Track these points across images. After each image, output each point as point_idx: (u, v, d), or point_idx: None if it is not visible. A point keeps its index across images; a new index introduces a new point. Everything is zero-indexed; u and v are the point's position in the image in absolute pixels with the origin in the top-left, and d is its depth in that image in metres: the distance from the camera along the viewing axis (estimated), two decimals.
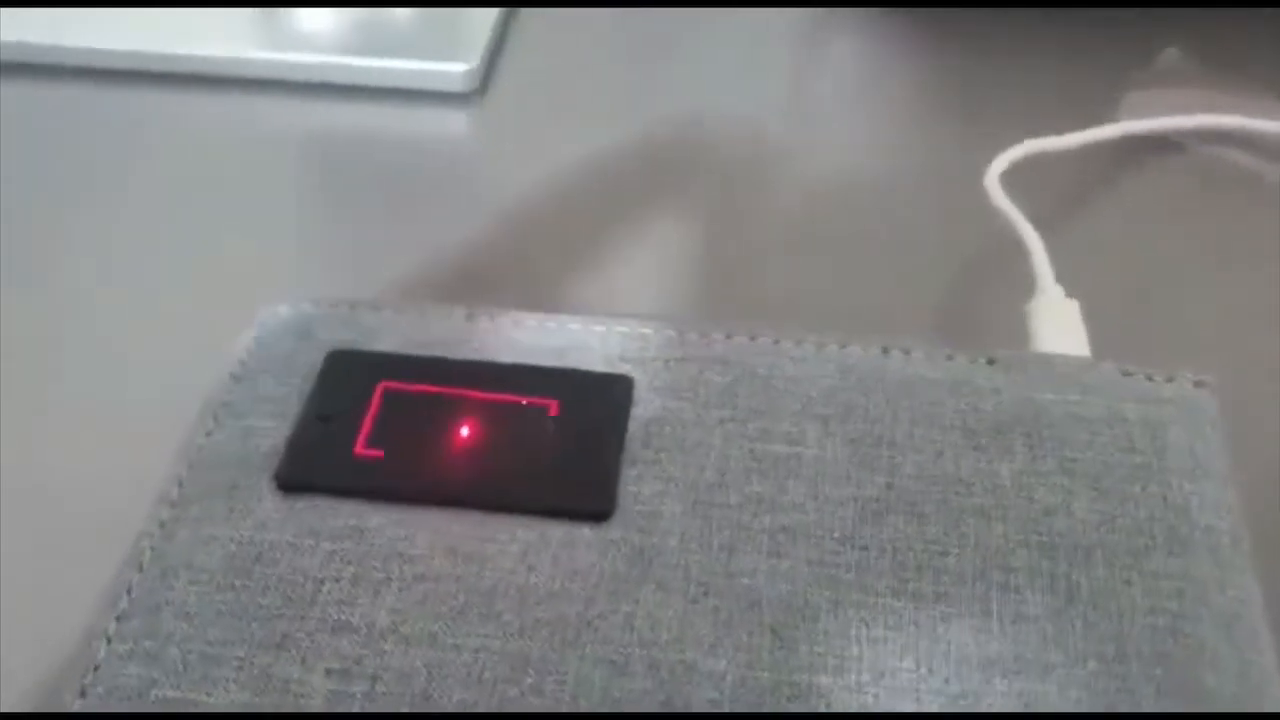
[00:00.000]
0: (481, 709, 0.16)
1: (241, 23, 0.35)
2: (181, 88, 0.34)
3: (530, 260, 0.29)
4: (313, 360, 0.21)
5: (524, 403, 0.20)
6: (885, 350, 0.21)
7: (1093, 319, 0.24)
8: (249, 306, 0.23)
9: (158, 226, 0.30)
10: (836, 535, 0.18)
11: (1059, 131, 0.30)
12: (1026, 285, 0.25)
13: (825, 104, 0.34)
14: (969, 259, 0.28)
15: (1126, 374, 0.21)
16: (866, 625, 0.17)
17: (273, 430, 0.20)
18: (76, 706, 0.17)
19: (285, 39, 0.34)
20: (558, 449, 0.20)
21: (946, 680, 0.17)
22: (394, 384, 0.20)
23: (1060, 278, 0.25)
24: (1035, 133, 0.29)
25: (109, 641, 0.17)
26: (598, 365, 0.21)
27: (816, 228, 0.30)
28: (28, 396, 0.26)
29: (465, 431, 0.20)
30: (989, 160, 0.28)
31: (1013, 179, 0.28)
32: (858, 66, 0.35)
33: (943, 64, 0.35)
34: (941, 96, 0.34)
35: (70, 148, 0.32)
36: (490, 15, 0.35)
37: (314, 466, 0.19)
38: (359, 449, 0.20)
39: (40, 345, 0.27)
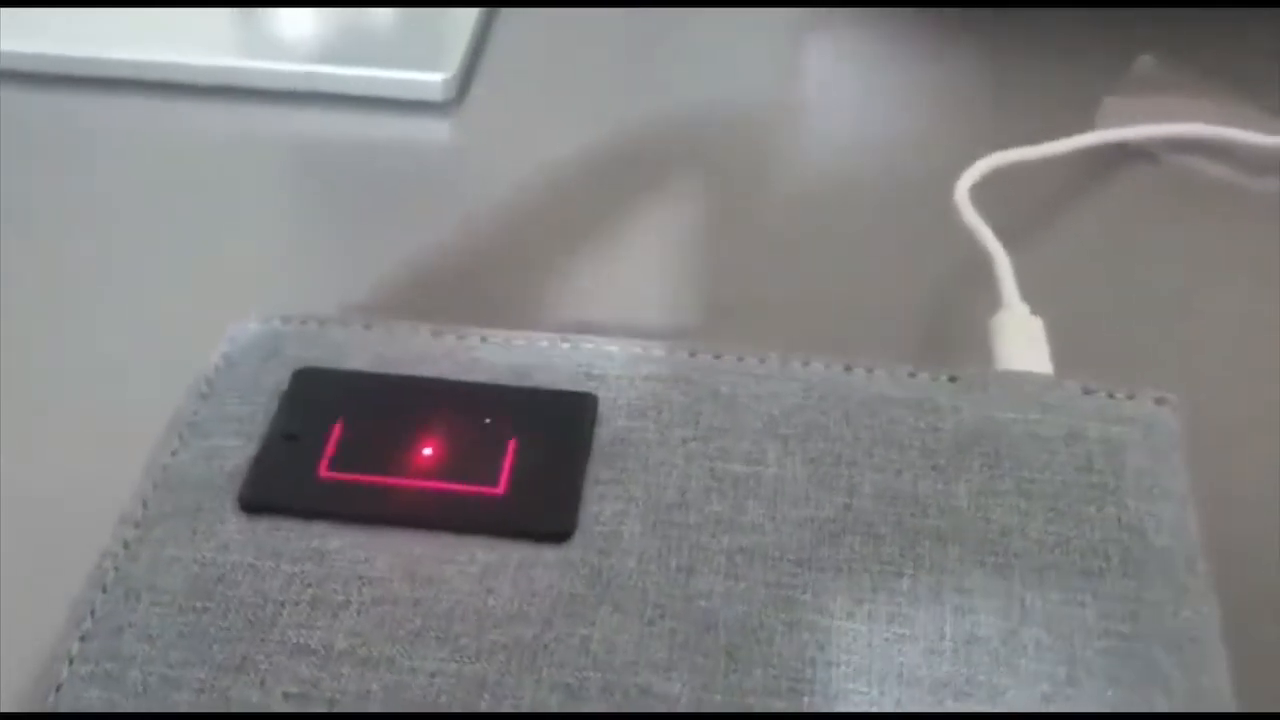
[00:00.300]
0: None
1: (220, 30, 0.35)
2: (159, 95, 0.34)
3: (507, 268, 0.29)
4: (279, 378, 0.21)
5: (488, 422, 0.20)
6: (848, 368, 0.22)
7: (1060, 333, 0.24)
8: (224, 314, 0.23)
9: (134, 234, 0.30)
10: (793, 557, 0.19)
11: (1032, 140, 0.30)
12: (995, 299, 0.25)
13: (801, 115, 0.34)
14: (940, 271, 0.28)
15: (1088, 392, 0.21)
16: (821, 648, 0.18)
17: (238, 450, 0.20)
18: None
19: (264, 47, 0.34)
20: (521, 469, 0.20)
21: (898, 702, 0.17)
22: (358, 404, 0.21)
23: (1029, 291, 0.25)
24: (1009, 140, 0.29)
25: (71, 663, 0.18)
26: (563, 383, 0.21)
27: (789, 235, 0.30)
28: (13, 401, 0.26)
29: (428, 452, 0.20)
30: (961, 167, 0.28)
31: (985, 188, 0.28)
32: (834, 74, 0.35)
33: (914, 71, 0.35)
34: (913, 103, 0.34)
35: (48, 155, 0.32)
36: (469, 18, 0.35)
37: (277, 487, 0.19)
38: (322, 470, 0.20)
39: (12, 353, 0.27)
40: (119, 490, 0.21)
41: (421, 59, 0.34)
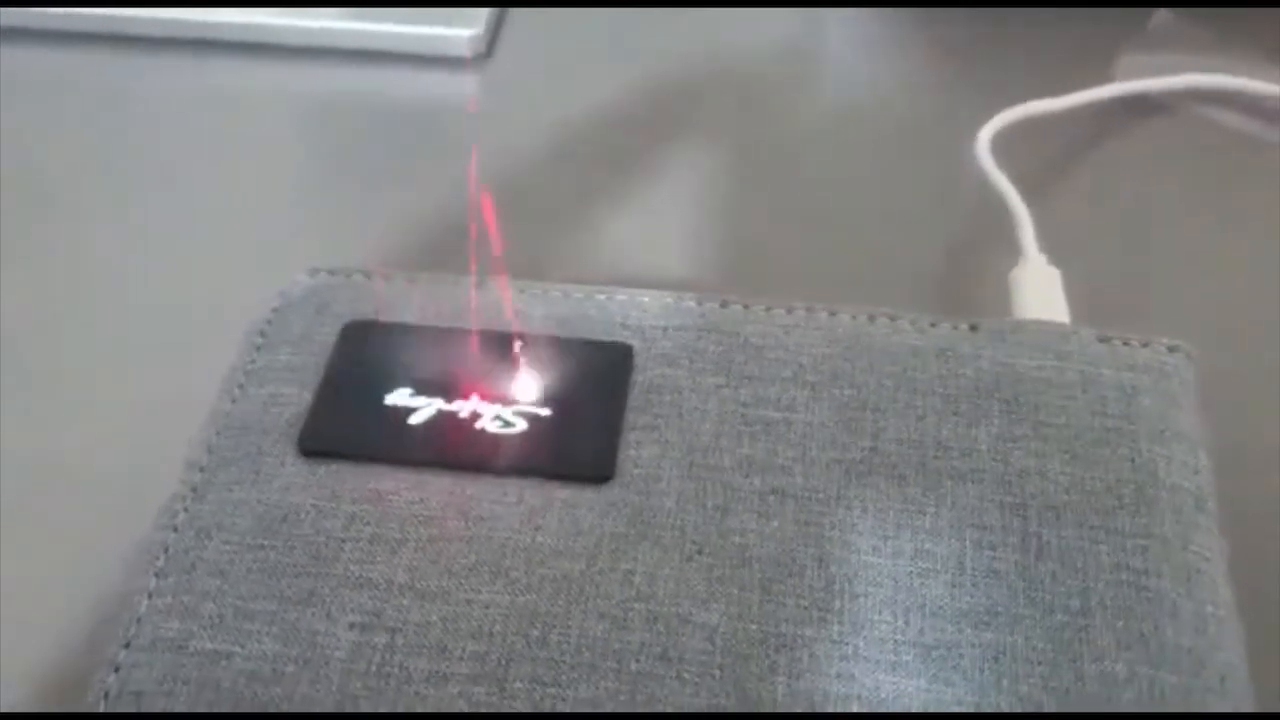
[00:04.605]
0: (492, 659, 0.18)
1: None
2: (190, 52, 0.35)
3: (536, 222, 0.30)
4: (330, 331, 0.22)
5: (529, 370, 0.22)
6: (872, 318, 0.23)
7: (1079, 284, 0.25)
8: (257, 269, 0.24)
9: (165, 191, 0.31)
10: (821, 496, 0.20)
11: (1053, 94, 0.30)
12: (1016, 249, 0.26)
13: (822, 71, 0.34)
14: (963, 222, 0.29)
15: (1103, 340, 0.22)
16: (849, 581, 0.19)
17: (294, 398, 0.21)
18: (121, 657, 0.18)
19: (295, 3, 0.35)
20: (562, 415, 0.21)
21: (921, 631, 0.18)
22: (405, 355, 0.22)
23: (1049, 242, 0.26)
24: (1029, 95, 0.30)
25: (150, 597, 0.19)
26: (599, 333, 0.22)
27: (815, 188, 0.30)
28: (37, 367, 0.27)
29: (473, 399, 0.21)
30: (982, 122, 0.29)
31: (1005, 142, 0.28)
32: (854, 31, 0.36)
33: (936, 27, 0.35)
34: (934, 59, 0.34)
35: (78, 111, 0.33)
36: None
37: (334, 433, 0.21)
38: (375, 417, 0.21)
39: (48, 310, 0.28)
40: (140, 457, 0.22)
41: (450, 16, 0.34)
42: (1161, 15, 0.34)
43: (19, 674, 0.21)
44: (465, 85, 0.34)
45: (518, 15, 0.36)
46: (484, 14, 0.34)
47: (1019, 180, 0.27)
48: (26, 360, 0.27)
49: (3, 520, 0.23)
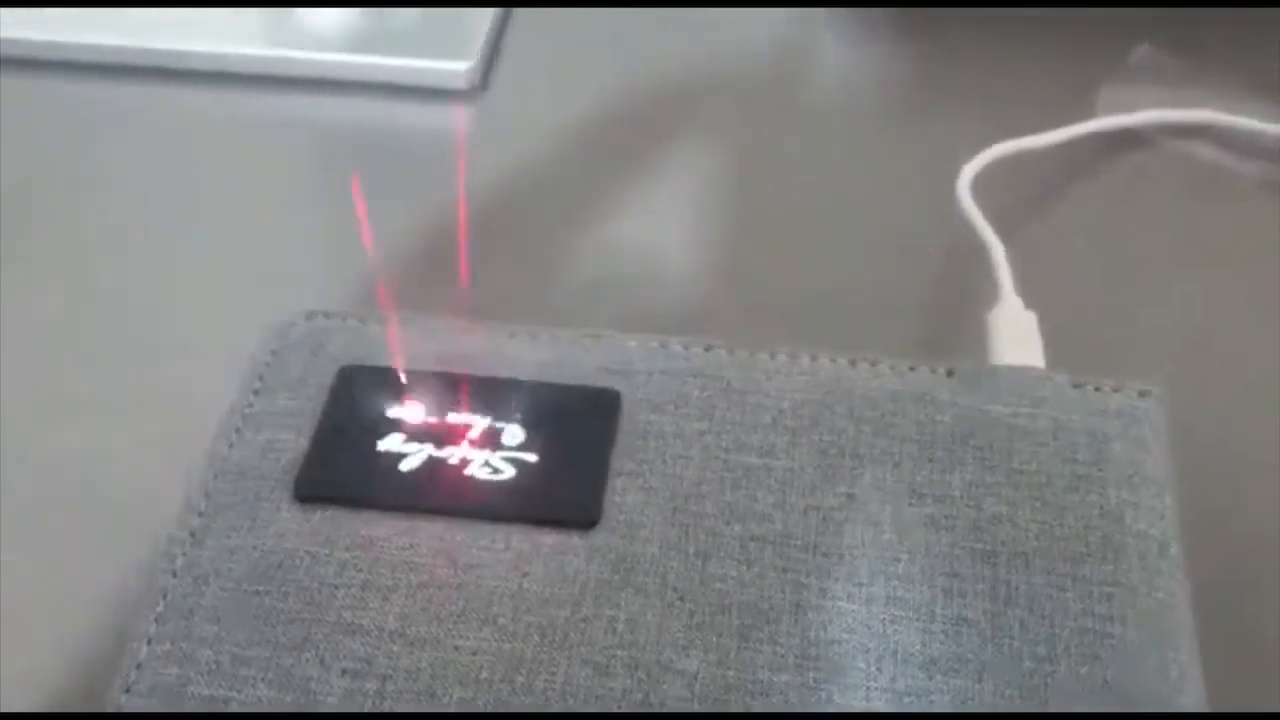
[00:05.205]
0: (479, 704, 0.19)
1: (249, 20, 0.36)
2: (188, 83, 0.35)
3: (529, 253, 0.31)
4: (326, 374, 0.23)
5: (519, 416, 0.22)
6: (853, 362, 0.23)
7: (1057, 323, 0.25)
8: (251, 301, 0.25)
9: (162, 221, 0.32)
10: (799, 543, 0.20)
11: (1034, 130, 0.31)
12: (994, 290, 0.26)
13: (803, 104, 0.35)
14: (944, 259, 0.30)
15: (1076, 385, 0.23)
16: (824, 628, 0.19)
17: (291, 444, 0.22)
18: (122, 702, 0.19)
19: (293, 37, 0.36)
20: (550, 461, 0.22)
21: (893, 678, 0.19)
22: (398, 399, 0.22)
23: (1031, 281, 0.26)
24: (1010, 131, 0.31)
25: (149, 643, 0.20)
26: (588, 377, 0.23)
27: (795, 229, 0.31)
28: (33, 388, 0.27)
29: (464, 444, 0.22)
30: (962, 158, 0.29)
31: (987, 179, 0.29)
32: (837, 66, 0.36)
33: (915, 63, 0.36)
34: (915, 96, 0.35)
35: (77, 142, 0.34)
36: (488, 14, 0.36)
37: (328, 480, 0.21)
38: (368, 463, 0.21)
39: (38, 337, 0.29)
40: (126, 475, 0.23)
41: (445, 48, 0.35)
42: (1142, 49, 0.34)
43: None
44: (460, 118, 0.35)
45: (512, 48, 0.36)
46: (478, 47, 0.35)
47: (999, 215, 0.28)
48: (25, 378, 0.27)
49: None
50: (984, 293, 0.27)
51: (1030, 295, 0.26)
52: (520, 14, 0.37)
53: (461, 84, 0.35)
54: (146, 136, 0.34)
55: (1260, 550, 0.24)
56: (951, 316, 0.28)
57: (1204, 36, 0.35)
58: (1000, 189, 0.29)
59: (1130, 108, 0.32)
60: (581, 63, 0.36)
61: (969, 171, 0.29)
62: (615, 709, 0.19)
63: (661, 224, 0.31)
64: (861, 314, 0.28)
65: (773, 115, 0.34)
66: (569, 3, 0.38)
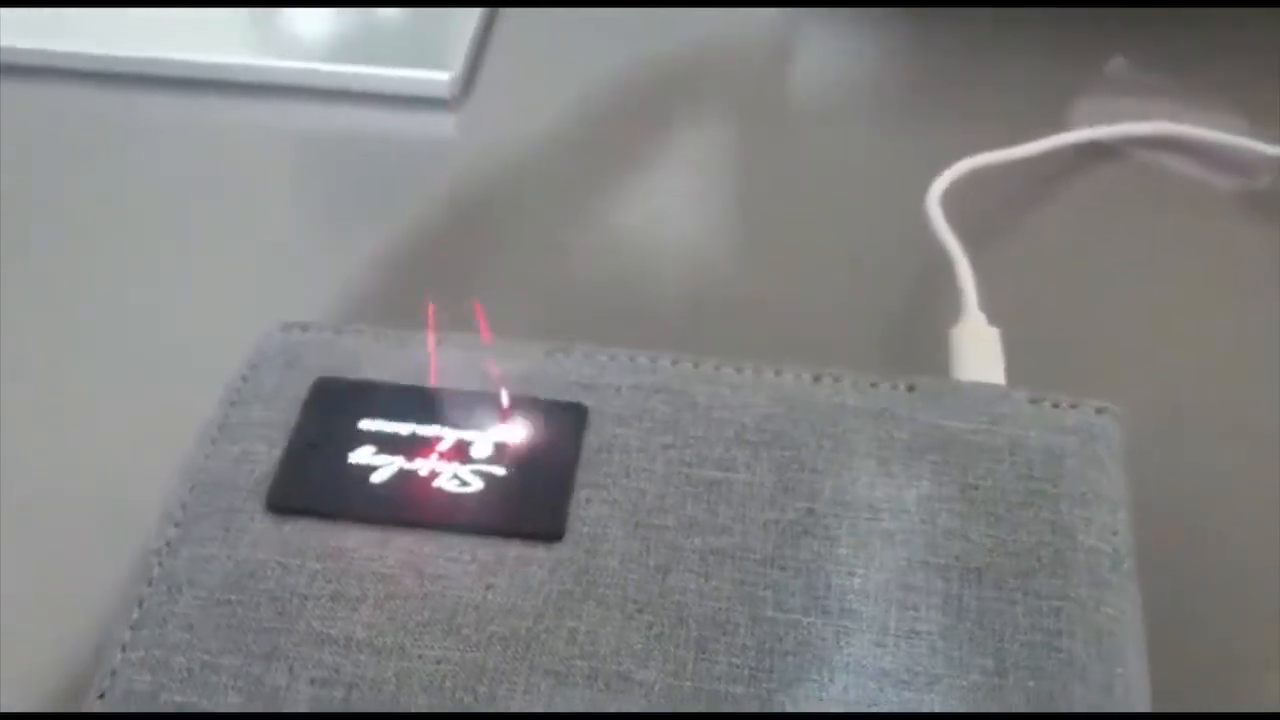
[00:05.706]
0: (442, 714, 0.19)
1: (235, 28, 0.37)
2: (170, 91, 0.36)
3: (510, 262, 0.31)
4: (301, 386, 0.24)
5: (487, 429, 0.23)
6: (816, 378, 0.24)
7: (1021, 338, 0.26)
8: (232, 310, 0.26)
9: (145, 228, 0.32)
10: (758, 557, 0.21)
11: (1007, 142, 0.31)
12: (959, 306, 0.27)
13: (776, 117, 0.35)
14: (915, 275, 0.30)
15: (1034, 401, 0.23)
16: (779, 640, 0.20)
17: (264, 455, 0.22)
18: (96, 707, 0.20)
19: (276, 45, 0.36)
20: (517, 473, 0.22)
21: (845, 689, 0.19)
22: (371, 412, 0.23)
23: (993, 297, 0.27)
24: (983, 143, 0.31)
25: (124, 650, 0.20)
26: (556, 391, 0.23)
27: (772, 235, 0.32)
28: (26, 394, 0.28)
29: (434, 457, 0.22)
30: (933, 171, 0.30)
31: (957, 192, 0.30)
32: (815, 75, 0.37)
33: (888, 74, 0.36)
34: (884, 105, 0.35)
35: (61, 149, 0.34)
36: (472, 17, 0.37)
37: (300, 491, 0.22)
38: (340, 475, 0.22)
39: (30, 344, 0.29)
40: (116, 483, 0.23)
41: (428, 57, 0.35)
42: (1117, 62, 0.34)
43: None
44: (443, 126, 0.35)
45: (495, 57, 0.37)
46: (461, 56, 0.35)
47: (969, 229, 0.28)
48: (19, 392, 0.28)
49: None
50: (952, 307, 0.27)
51: (995, 310, 0.26)
52: (504, 23, 0.38)
53: (444, 93, 0.35)
54: (128, 143, 0.34)
55: (1216, 566, 0.25)
56: (919, 331, 0.29)
57: (1177, 50, 0.35)
58: (971, 202, 0.30)
59: (1104, 121, 0.33)
60: (564, 70, 0.37)
61: (938, 186, 0.29)
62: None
63: (640, 231, 0.32)
64: (828, 325, 0.29)
65: (748, 126, 0.35)
66: (553, 2, 0.38)
